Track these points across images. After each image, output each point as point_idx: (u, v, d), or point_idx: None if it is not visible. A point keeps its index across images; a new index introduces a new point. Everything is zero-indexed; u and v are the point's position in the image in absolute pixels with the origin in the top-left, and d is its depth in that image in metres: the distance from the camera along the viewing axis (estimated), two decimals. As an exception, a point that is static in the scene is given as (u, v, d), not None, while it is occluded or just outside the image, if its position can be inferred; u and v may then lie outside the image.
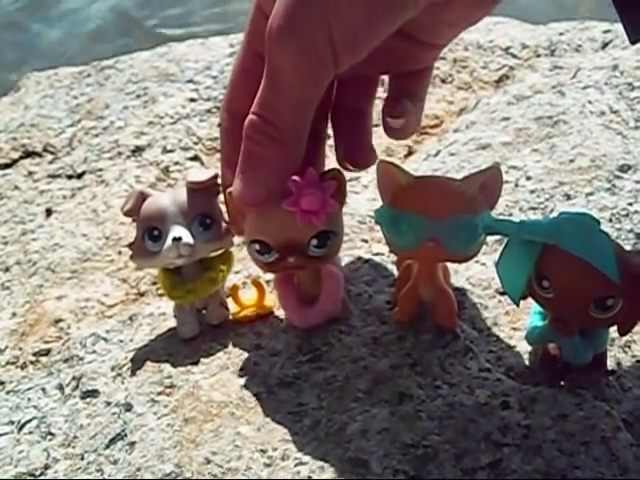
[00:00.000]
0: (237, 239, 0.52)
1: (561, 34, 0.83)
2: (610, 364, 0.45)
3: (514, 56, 0.81)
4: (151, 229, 0.48)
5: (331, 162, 0.50)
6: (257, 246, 0.44)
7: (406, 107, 0.48)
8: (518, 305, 0.42)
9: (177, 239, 0.47)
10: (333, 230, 0.44)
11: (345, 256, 0.55)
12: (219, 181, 0.50)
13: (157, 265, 0.50)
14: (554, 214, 0.44)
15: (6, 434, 0.48)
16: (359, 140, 0.50)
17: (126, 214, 0.49)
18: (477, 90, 0.79)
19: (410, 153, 0.71)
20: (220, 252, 0.51)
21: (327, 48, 0.38)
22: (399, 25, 0.40)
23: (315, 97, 0.41)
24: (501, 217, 0.46)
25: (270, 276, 0.54)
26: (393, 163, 0.44)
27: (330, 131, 0.51)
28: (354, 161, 0.49)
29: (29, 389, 0.51)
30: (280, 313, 0.51)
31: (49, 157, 0.80)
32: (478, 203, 0.42)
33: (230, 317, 0.52)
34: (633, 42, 0.39)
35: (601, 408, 0.41)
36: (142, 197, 0.49)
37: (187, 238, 0.47)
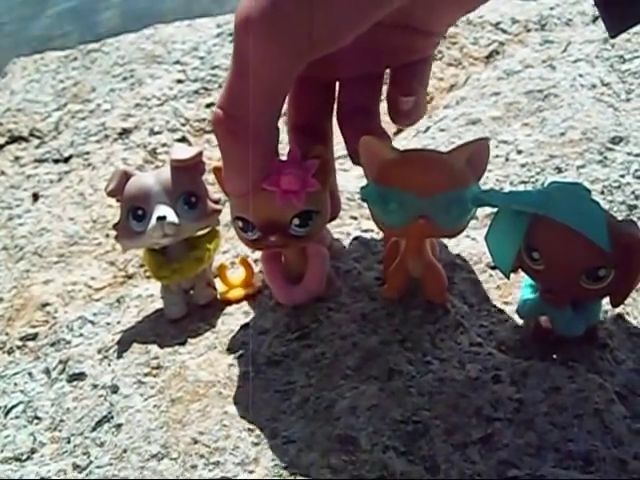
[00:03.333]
0: (223, 219, 0.51)
1: (551, 8, 0.82)
2: (603, 337, 0.44)
3: (504, 31, 0.80)
4: (135, 209, 0.48)
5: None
6: (240, 223, 0.44)
7: (415, 86, 0.47)
8: (508, 278, 0.41)
9: (161, 218, 0.46)
10: (315, 209, 0.43)
11: (334, 233, 0.54)
12: (204, 158, 0.49)
13: (142, 245, 0.49)
14: (547, 183, 0.43)
15: (-8, 419, 0.48)
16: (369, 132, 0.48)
17: (110, 194, 0.49)
18: (467, 66, 0.78)
19: (400, 130, 0.71)
20: (206, 231, 0.50)
21: (304, 32, 0.36)
22: (387, 12, 0.38)
23: (284, 87, 0.39)
24: (490, 188, 0.45)
25: (258, 255, 0.54)
26: (377, 138, 0.43)
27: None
28: None
29: (16, 374, 0.51)
30: (268, 292, 0.50)
31: (35, 142, 0.79)
32: (466, 176, 0.41)
33: (218, 297, 0.51)
34: (613, 36, 0.39)
35: (594, 381, 0.41)
36: (125, 177, 0.49)
37: (172, 217, 0.47)
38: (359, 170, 0.62)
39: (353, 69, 0.47)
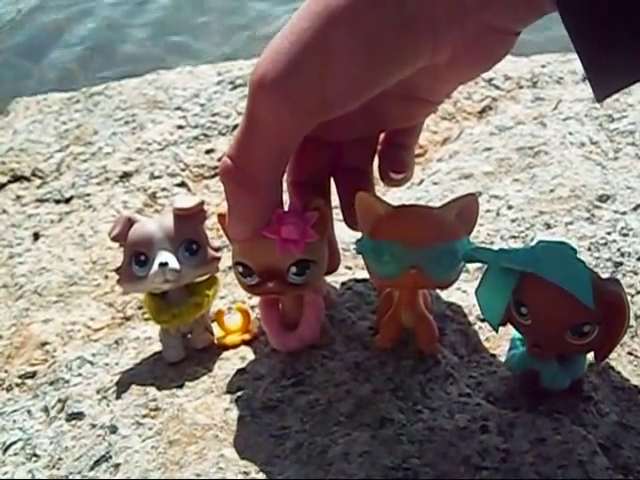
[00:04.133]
0: (222, 265, 0.52)
1: (543, 66, 0.85)
2: (588, 390, 0.46)
3: (497, 87, 0.83)
4: (138, 254, 0.49)
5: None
6: (240, 268, 0.45)
7: (406, 161, 0.50)
8: (497, 331, 0.43)
9: (163, 264, 0.48)
10: (313, 259, 0.45)
11: (329, 282, 0.55)
12: (205, 207, 0.51)
13: (144, 290, 0.51)
14: (533, 243, 0.45)
15: (-9, 456, 0.49)
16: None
17: (114, 239, 0.50)
18: (461, 120, 0.80)
19: (394, 182, 0.73)
20: (206, 277, 0.52)
21: (317, 97, 0.38)
22: (398, 79, 0.40)
23: (292, 146, 0.41)
24: (480, 245, 0.47)
25: (255, 301, 0.55)
26: (371, 194, 0.45)
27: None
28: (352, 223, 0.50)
29: (15, 411, 0.52)
30: (264, 338, 0.51)
31: (37, 182, 0.81)
32: (457, 230, 0.43)
33: (215, 342, 0.53)
34: (600, 100, 0.40)
35: (578, 432, 0.42)
36: (129, 223, 0.50)
37: (173, 263, 0.48)
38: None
39: (351, 132, 0.49)
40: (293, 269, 0.45)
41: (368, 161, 0.51)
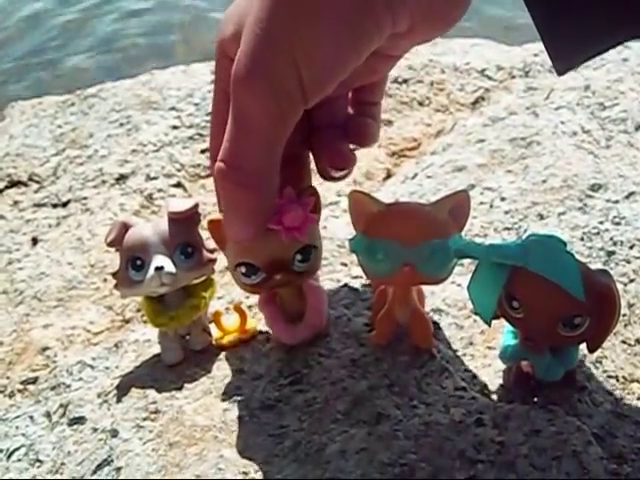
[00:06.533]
0: (218, 266, 0.53)
1: (535, 55, 0.85)
2: (581, 380, 0.46)
3: (490, 78, 0.83)
4: (134, 259, 0.50)
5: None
6: (243, 269, 0.46)
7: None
8: (490, 325, 0.43)
9: (159, 268, 0.48)
10: (314, 244, 0.46)
11: (325, 280, 0.56)
12: (202, 207, 0.52)
13: (141, 293, 0.51)
14: (525, 235, 0.45)
15: (-5, 462, 0.49)
16: (337, 144, 0.50)
17: (109, 245, 0.51)
18: (454, 112, 0.80)
19: (389, 176, 0.73)
20: (202, 279, 0.52)
21: (295, 86, 0.39)
22: (366, 56, 0.41)
23: (284, 135, 0.41)
24: (471, 241, 0.47)
25: (251, 301, 0.55)
26: (364, 192, 0.45)
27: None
28: (334, 163, 0.49)
29: (17, 417, 0.52)
30: (262, 337, 0.52)
31: (34, 186, 0.81)
32: (449, 227, 0.44)
33: (213, 342, 0.53)
34: (561, 73, 0.40)
35: (572, 423, 0.42)
36: (125, 227, 0.50)
37: (169, 267, 0.49)
38: (349, 217, 0.64)
39: None
40: (298, 257, 0.45)
41: (340, 119, 0.51)
